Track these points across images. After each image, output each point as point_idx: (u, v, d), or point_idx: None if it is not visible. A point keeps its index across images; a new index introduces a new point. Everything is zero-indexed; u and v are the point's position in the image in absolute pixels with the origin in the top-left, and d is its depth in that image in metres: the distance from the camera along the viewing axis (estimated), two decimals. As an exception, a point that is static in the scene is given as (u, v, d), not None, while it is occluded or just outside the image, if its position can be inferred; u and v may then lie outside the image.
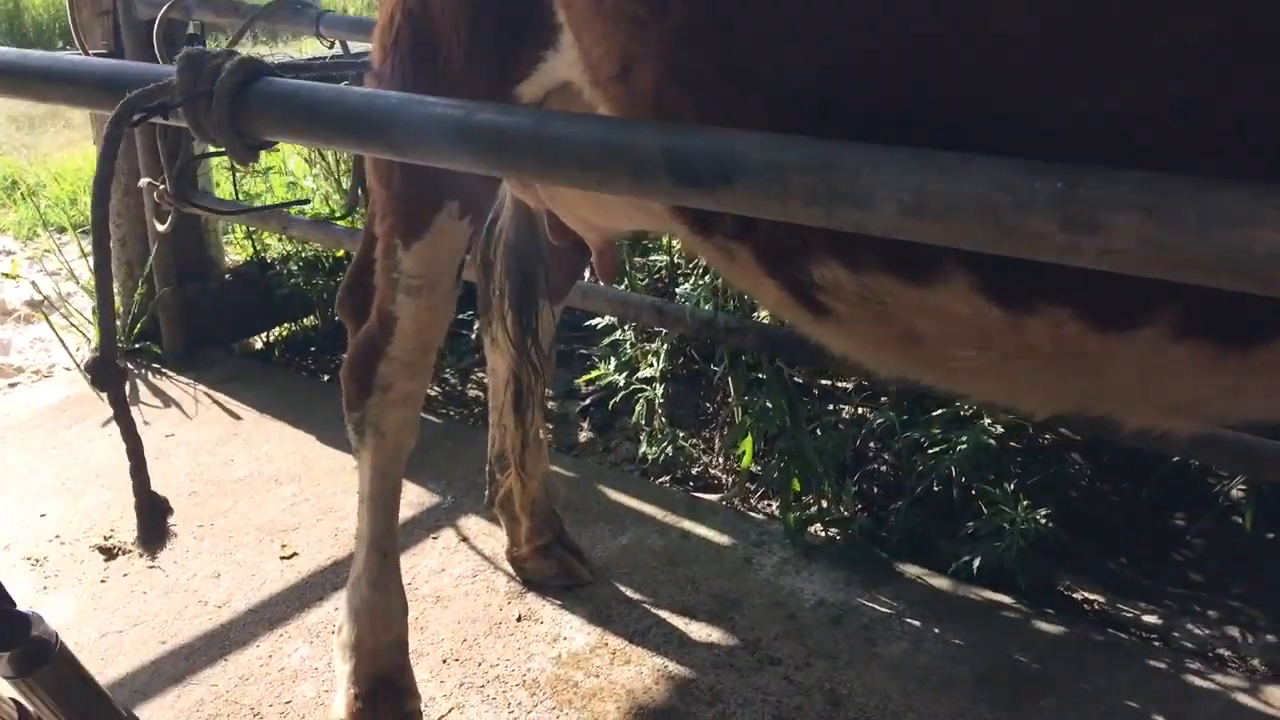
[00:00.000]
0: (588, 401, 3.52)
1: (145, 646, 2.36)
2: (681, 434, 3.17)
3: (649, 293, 3.31)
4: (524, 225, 2.23)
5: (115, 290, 3.85)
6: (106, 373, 1.22)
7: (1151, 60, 0.84)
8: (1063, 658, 2.29)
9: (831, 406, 3.05)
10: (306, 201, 3.65)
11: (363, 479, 2.00)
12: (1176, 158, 0.82)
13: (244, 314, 4.01)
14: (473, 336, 3.65)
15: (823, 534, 2.74)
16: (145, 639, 2.39)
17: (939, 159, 0.80)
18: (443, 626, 2.40)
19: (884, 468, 2.95)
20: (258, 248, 4.11)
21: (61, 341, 3.81)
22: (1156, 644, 2.38)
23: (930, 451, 2.69)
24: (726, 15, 1.08)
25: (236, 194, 3.83)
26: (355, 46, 3.24)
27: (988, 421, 2.66)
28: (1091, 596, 2.56)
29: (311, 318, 4.07)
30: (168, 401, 3.55)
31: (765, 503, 2.95)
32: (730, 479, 3.04)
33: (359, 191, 3.03)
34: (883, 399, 2.97)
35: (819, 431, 2.84)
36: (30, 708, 1.21)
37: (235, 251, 4.36)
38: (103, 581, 2.60)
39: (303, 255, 3.99)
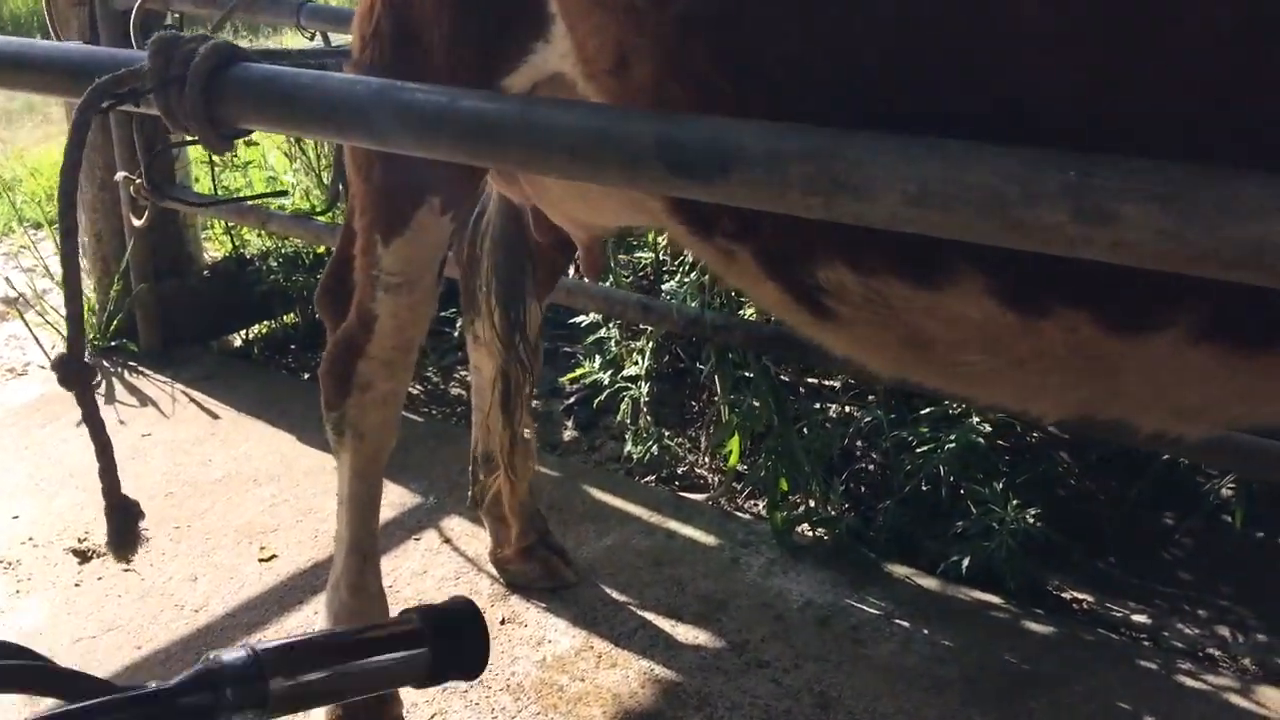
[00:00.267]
0: (572, 400, 3.48)
1: (120, 652, 2.31)
2: (667, 433, 3.13)
3: (634, 290, 3.27)
4: (510, 219, 2.19)
5: (91, 287, 3.80)
6: (74, 371, 1.18)
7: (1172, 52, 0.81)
8: (1053, 658, 2.27)
9: (819, 405, 3.02)
10: (285, 194, 3.59)
11: (342, 480, 1.95)
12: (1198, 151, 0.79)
13: (222, 311, 3.94)
14: (456, 334, 3.60)
15: (810, 534, 2.71)
16: (120, 644, 2.34)
17: (944, 148, 0.77)
18: (425, 629, 2.35)
19: (872, 467, 2.92)
20: (237, 243, 4.05)
21: (36, 339, 3.74)
22: (1147, 644, 2.36)
23: (918, 450, 2.66)
24: (730, 4, 1.04)
25: (215, 189, 3.77)
26: (339, 39, 3.17)
27: (976, 420, 2.64)
28: (1081, 596, 2.54)
29: (292, 315, 4.00)
30: (144, 400, 3.48)
31: (752, 502, 2.92)
32: (717, 478, 3.01)
33: (340, 186, 2.97)
34: (870, 397, 2.94)
35: (806, 430, 2.81)
36: None
37: (214, 247, 4.30)
38: (76, 585, 2.54)
39: (283, 251, 3.93)
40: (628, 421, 3.16)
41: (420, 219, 1.68)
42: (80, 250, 4.08)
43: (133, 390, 3.55)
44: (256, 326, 4.03)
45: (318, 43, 3.05)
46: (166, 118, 1.18)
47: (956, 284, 0.98)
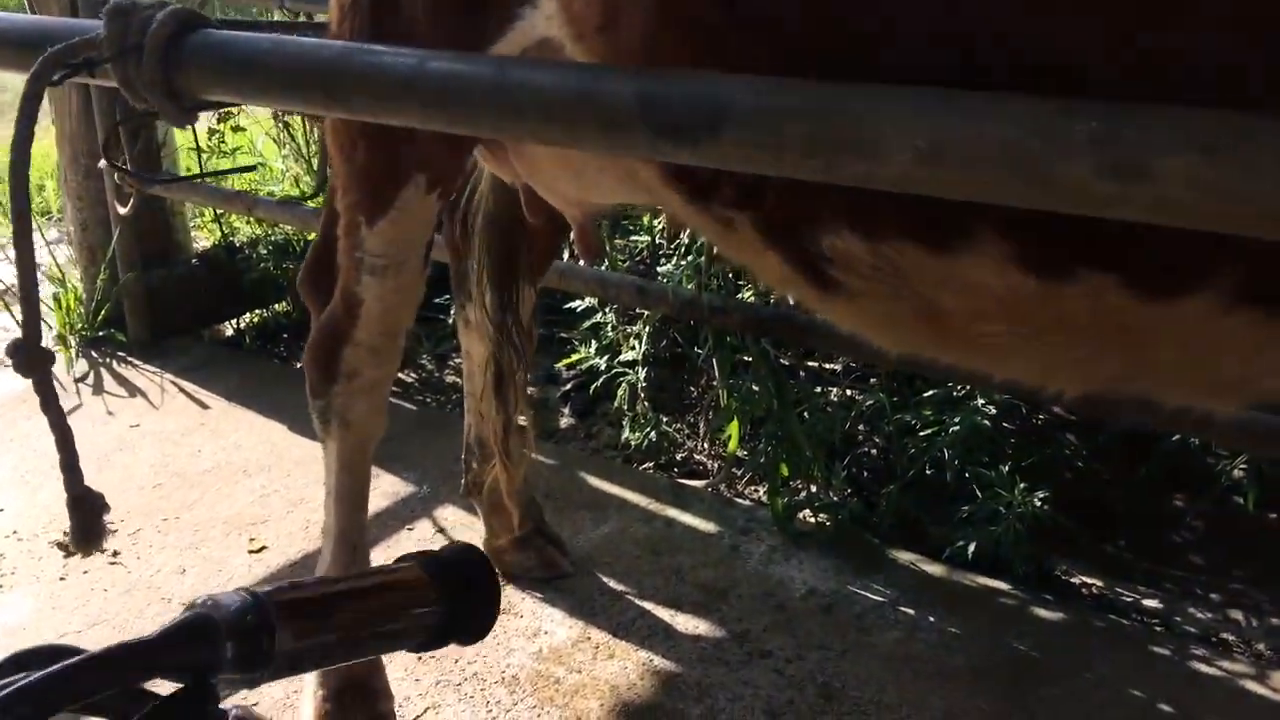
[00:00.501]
0: (568, 386, 3.42)
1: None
2: (665, 419, 3.07)
3: (630, 274, 3.20)
4: (503, 198, 2.12)
5: (78, 276, 3.73)
6: (30, 356, 1.11)
7: None
8: (1062, 645, 2.21)
9: (819, 389, 2.96)
10: (253, 169, 3.50)
11: (329, 470, 1.89)
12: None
13: (212, 300, 3.87)
14: (450, 321, 3.53)
15: (812, 520, 2.65)
16: (105, 639, 2.26)
17: (960, 100, 0.70)
18: (418, 622, 2.29)
19: (874, 451, 2.86)
20: (225, 231, 3.98)
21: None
22: (1158, 629, 2.30)
23: (922, 434, 2.61)
24: None
25: (202, 176, 3.70)
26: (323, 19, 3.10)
27: (981, 402, 2.58)
28: (1090, 581, 2.48)
29: (283, 304, 3.94)
30: (133, 391, 3.42)
31: (752, 488, 2.86)
32: (716, 464, 2.95)
33: (328, 170, 2.90)
34: (872, 380, 2.88)
35: (806, 415, 2.74)
36: None
37: (204, 235, 4.23)
38: (61, 579, 2.48)
39: (272, 239, 3.86)
40: (625, 408, 3.10)
41: (405, 198, 1.60)
42: (65, 238, 4.02)
43: (121, 381, 3.49)
44: (247, 315, 3.96)
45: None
46: (125, 89, 1.11)
47: (974, 249, 0.91)
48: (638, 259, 3.44)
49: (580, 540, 2.57)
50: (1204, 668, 2.16)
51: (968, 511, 2.48)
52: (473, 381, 2.33)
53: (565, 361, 3.37)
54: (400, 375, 3.48)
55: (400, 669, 2.12)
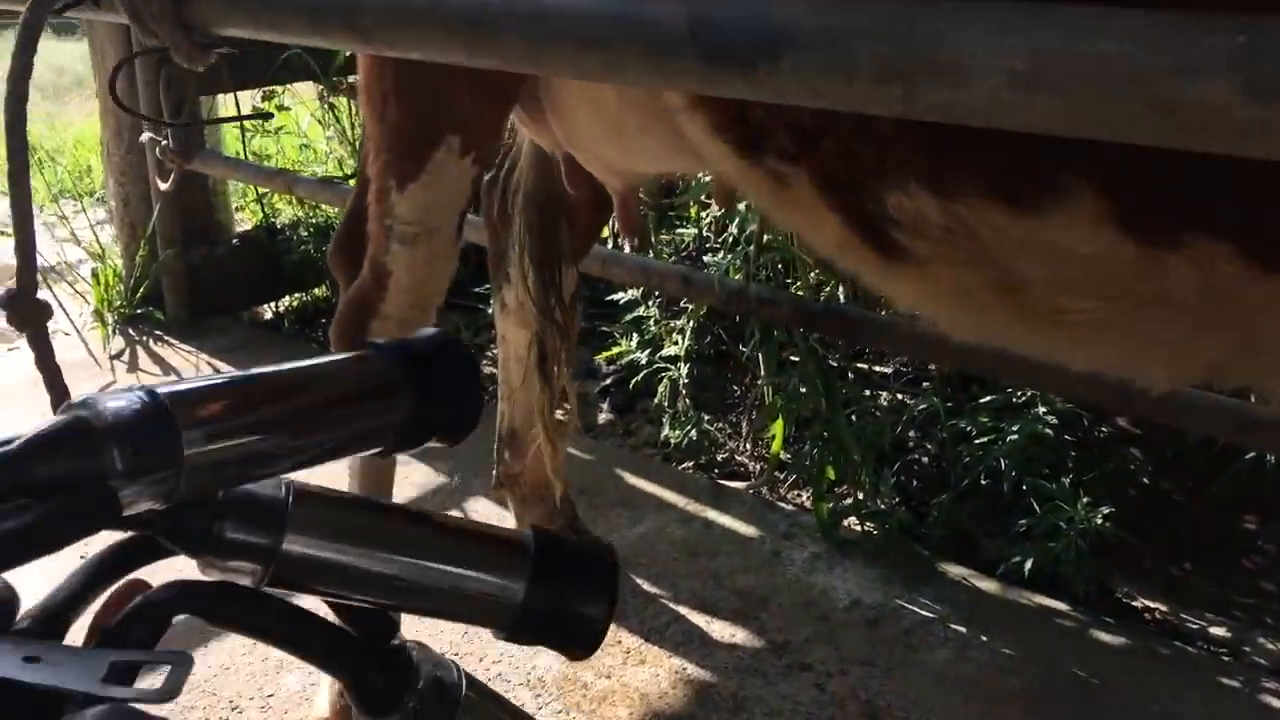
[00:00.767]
0: (608, 381, 3.32)
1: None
2: (707, 417, 2.96)
3: (676, 266, 3.10)
4: (543, 174, 2.02)
5: (118, 253, 3.71)
6: (24, 307, 1.03)
7: None
8: (1124, 671, 2.07)
9: (869, 392, 2.84)
10: (270, 116, 3.42)
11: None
12: None
13: (252, 281, 3.82)
14: (489, 311, 3.46)
15: (858, 528, 2.53)
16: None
17: (1060, 13, 0.59)
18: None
19: (926, 458, 2.74)
20: (267, 212, 3.94)
21: (62, 307, 3.65)
22: (1227, 659, 2.15)
23: (977, 441, 2.47)
24: None
25: (245, 154, 3.66)
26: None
27: (1042, 410, 2.44)
28: (1154, 605, 2.34)
29: (322, 287, 3.89)
30: (168, 370, 3.38)
31: (796, 493, 2.74)
32: (758, 466, 2.83)
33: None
34: (925, 384, 2.76)
35: (855, 418, 2.62)
36: None
37: (246, 217, 4.19)
38: (82, 557, 2.43)
39: (313, 221, 3.81)
40: (665, 404, 3.00)
41: (438, 160, 1.52)
42: (109, 217, 4.01)
43: (157, 360, 3.45)
44: (287, 298, 3.92)
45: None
46: (134, 23, 1.03)
47: (1064, 207, 0.79)
48: (684, 253, 3.34)
49: (615, 539, 2.47)
50: (1275, 701, 2.01)
51: (1025, 525, 2.35)
52: (507, 369, 2.24)
53: (605, 355, 3.27)
54: (438, 364, 3.41)
55: (421, 664, 2.03)
